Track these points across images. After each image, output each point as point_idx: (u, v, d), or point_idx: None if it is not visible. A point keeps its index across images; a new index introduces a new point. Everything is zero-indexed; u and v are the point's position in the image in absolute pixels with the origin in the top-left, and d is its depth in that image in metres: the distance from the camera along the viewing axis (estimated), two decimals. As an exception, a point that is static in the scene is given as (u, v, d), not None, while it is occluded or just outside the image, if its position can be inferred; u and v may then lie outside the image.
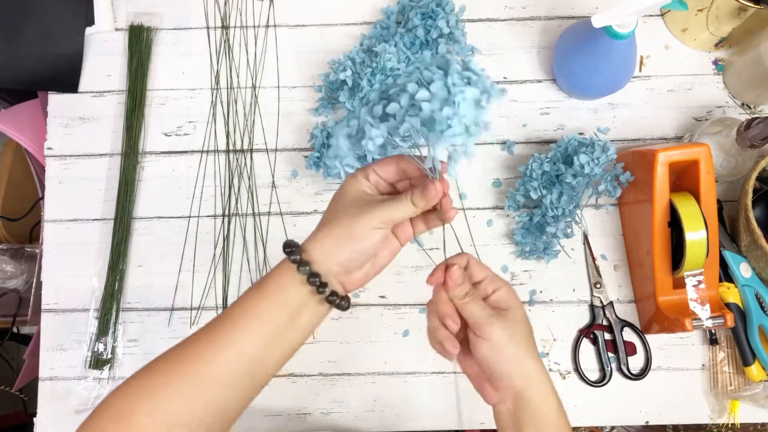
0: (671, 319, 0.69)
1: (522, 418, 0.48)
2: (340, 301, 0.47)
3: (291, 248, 0.46)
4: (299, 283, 0.46)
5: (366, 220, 0.46)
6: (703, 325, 0.68)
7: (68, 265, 0.81)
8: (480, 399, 0.51)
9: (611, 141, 0.75)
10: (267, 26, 0.87)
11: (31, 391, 0.87)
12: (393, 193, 0.51)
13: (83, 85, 0.86)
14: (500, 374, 0.48)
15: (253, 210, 0.82)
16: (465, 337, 0.51)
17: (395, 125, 0.43)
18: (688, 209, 0.67)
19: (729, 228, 0.77)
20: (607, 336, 0.78)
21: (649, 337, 0.77)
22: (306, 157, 0.81)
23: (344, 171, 0.63)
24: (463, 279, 0.49)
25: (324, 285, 0.46)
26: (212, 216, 0.82)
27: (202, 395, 0.44)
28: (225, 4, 0.88)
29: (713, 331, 0.77)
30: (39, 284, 0.81)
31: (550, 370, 0.78)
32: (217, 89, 0.85)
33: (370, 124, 0.44)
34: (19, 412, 1.22)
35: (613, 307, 0.78)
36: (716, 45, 0.83)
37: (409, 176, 0.50)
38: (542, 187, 0.75)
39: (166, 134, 0.85)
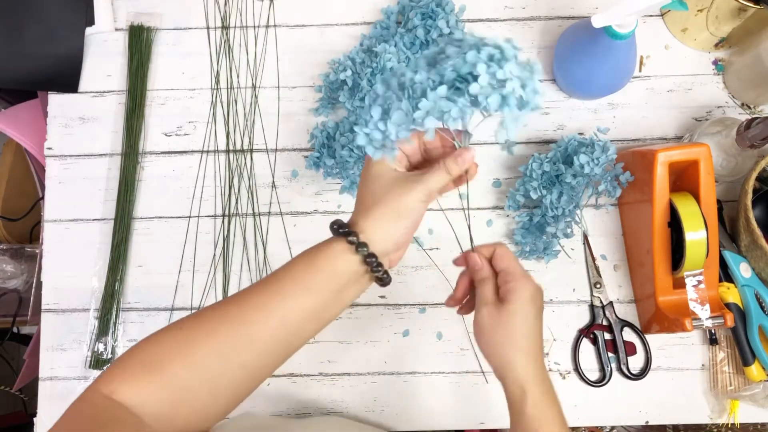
0: (671, 319, 0.69)
1: (507, 401, 0.52)
2: (388, 279, 0.50)
3: (343, 228, 0.48)
4: (352, 262, 0.47)
5: (414, 195, 0.48)
6: (703, 325, 0.68)
7: (68, 265, 0.82)
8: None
9: (611, 141, 0.75)
10: (267, 26, 0.87)
11: (31, 391, 0.87)
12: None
13: (83, 85, 0.86)
14: (484, 353, 0.53)
15: (253, 210, 0.82)
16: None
17: (475, 98, 0.45)
18: (688, 209, 0.67)
19: (729, 228, 0.77)
20: (607, 336, 0.78)
21: (649, 337, 0.77)
22: (306, 157, 0.81)
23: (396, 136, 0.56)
24: (481, 265, 0.54)
25: (380, 265, 0.48)
26: (212, 216, 0.82)
27: (241, 356, 0.45)
28: (225, 4, 0.88)
29: (713, 331, 0.77)
30: (39, 284, 0.81)
31: (550, 370, 0.78)
32: (217, 89, 0.85)
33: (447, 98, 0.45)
34: (19, 412, 1.22)
35: (613, 307, 0.78)
36: (716, 45, 0.83)
37: (429, 149, 0.53)
38: (542, 187, 0.75)
39: (166, 134, 0.85)
